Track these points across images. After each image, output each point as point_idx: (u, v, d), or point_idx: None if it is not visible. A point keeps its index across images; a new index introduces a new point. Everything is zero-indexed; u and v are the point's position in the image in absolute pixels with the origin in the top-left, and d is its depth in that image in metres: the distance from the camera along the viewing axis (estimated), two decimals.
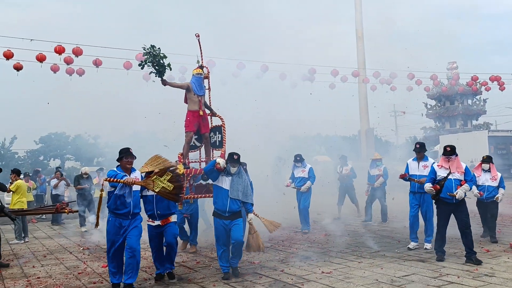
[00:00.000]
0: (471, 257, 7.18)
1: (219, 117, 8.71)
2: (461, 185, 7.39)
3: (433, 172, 7.75)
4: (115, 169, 6.30)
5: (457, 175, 7.47)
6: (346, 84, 20.57)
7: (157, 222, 6.80)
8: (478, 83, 26.31)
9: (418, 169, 8.81)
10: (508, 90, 23.84)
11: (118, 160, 6.34)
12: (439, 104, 45.71)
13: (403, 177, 8.88)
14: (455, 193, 7.31)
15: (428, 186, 7.61)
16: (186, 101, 8.39)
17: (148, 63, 7.59)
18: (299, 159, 11.65)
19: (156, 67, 7.66)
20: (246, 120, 13.62)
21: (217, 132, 8.78)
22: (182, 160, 8.10)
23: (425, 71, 24.32)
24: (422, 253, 8.12)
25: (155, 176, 6.13)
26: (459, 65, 43.04)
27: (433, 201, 7.91)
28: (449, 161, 7.56)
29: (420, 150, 8.89)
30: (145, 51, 7.54)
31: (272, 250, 9.00)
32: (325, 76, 19.96)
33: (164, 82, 7.97)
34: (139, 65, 7.81)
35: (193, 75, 8.45)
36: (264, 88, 19.10)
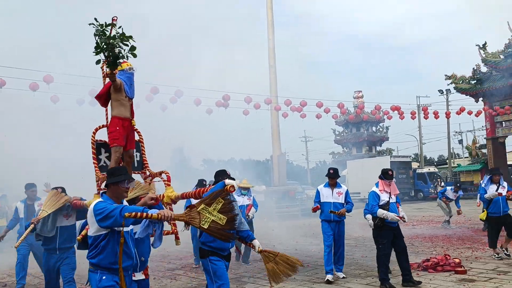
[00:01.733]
0: (411, 279, 7.33)
1: (137, 130, 6.47)
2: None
3: (377, 197, 7.51)
4: (100, 199, 4.16)
5: (394, 198, 7.57)
6: (259, 110, 21.03)
7: (139, 276, 4.86)
8: (381, 112, 28.00)
9: (332, 196, 8.30)
10: (407, 119, 25.63)
11: (108, 185, 4.23)
12: (346, 131, 48.15)
13: (315, 210, 8.48)
14: (401, 215, 7.44)
15: (393, 215, 7.30)
16: (105, 103, 6.13)
17: (105, 49, 4.96)
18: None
19: (111, 55, 5.05)
20: (159, 144, 13.40)
21: (135, 150, 6.45)
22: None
23: (333, 100, 25.60)
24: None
25: (202, 206, 4.24)
26: (365, 94, 45.84)
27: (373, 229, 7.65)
28: (390, 185, 7.58)
29: (334, 176, 8.36)
30: (97, 31, 4.92)
31: (185, 278, 8.88)
32: (239, 103, 20.30)
33: (114, 77, 5.60)
34: (96, 53, 5.00)
35: (122, 70, 5.98)
36: (179, 113, 19.01)
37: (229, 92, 19.52)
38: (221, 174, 5.33)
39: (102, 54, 5.02)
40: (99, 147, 6.22)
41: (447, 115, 30.21)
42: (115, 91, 5.94)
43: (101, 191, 4.27)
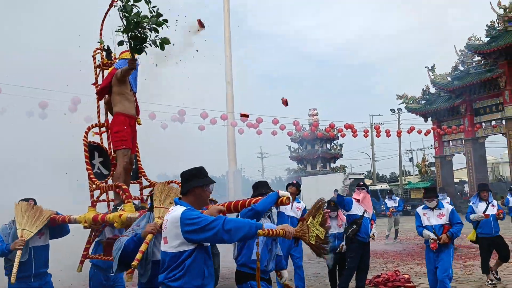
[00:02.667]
0: None
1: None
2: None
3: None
4: (185, 207, 3.27)
5: (368, 214, 7.56)
6: (215, 126, 21.03)
7: None
8: (335, 130, 28.56)
9: (292, 209, 7.91)
10: (361, 136, 26.28)
11: (190, 189, 3.37)
12: (301, 148, 48.73)
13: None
14: (372, 233, 7.58)
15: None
16: (107, 99, 5.24)
17: (132, 29, 4.10)
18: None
19: (139, 37, 4.19)
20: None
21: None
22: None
23: (289, 117, 25.91)
24: None
25: (310, 219, 3.73)
26: (320, 112, 46.67)
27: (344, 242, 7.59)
28: (362, 195, 7.53)
29: (296, 186, 7.93)
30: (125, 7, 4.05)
31: None
32: (195, 118, 20.21)
33: (134, 64, 4.74)
34: (123, 31, 4.17)
35: (125, 59, 4.95)
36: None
37: (185, 107, 19.40)
38: (263, 186, 4.82)
39: (126, 35, 4.21)
40: (92, 150, 5.26)
41: (398, 134, 31.15)
42: (119, 83, 5.04)
43: (177, 198, 3.43)
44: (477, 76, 32.18)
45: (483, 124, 33.12)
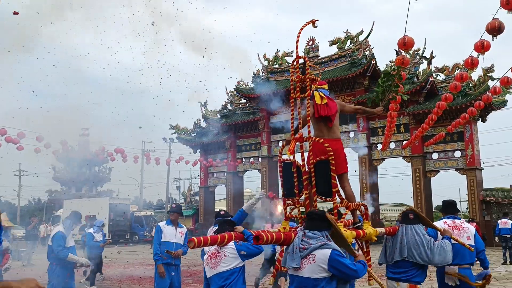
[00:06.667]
0: None
1: None
2: None
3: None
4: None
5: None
6: None
7: None
8: (105, 153, 27.99)
9: (176, 236, 7.33)
10: (130, 162, 26.30)
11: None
12: (67, 169, 46.05)
13: (172, 253, 7.16)
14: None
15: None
16: (319, 126, 5.14)
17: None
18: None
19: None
20: None
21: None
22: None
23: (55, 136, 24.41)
24: None
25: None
26: (92, 133, 44.93)
27: None
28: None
29: (177, 211, 7.51)
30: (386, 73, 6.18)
31: None
32: None
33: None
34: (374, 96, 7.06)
35: (320, 88, 5.06)
36: None
37: None
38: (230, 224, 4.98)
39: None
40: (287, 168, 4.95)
41: (167, 162, 32.20)
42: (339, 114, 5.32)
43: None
44: (242, 117, 35.75)
45: (243, 160, 36.68)
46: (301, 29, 4.87)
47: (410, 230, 5.00)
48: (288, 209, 4.88)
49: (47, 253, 7.30)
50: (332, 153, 4.46)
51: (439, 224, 5.68)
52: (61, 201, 38.27)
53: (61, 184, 47.01)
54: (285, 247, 4.13)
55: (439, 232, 5.31)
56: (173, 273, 7.25)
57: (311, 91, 4.93)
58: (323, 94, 4.94)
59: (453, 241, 5.15)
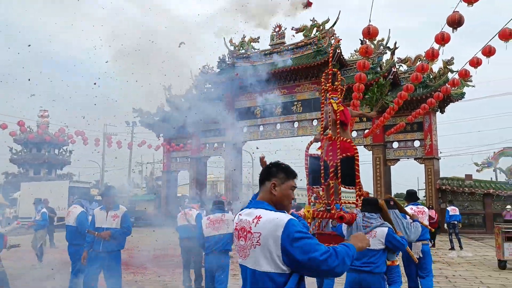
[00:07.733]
0: None
1: None
2: None
3: None
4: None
5: None
6: None
7: None
8: (65, 135, 27.37)
9: (106, 220, 6.83)
10: (91, 145, 25.81)
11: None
12: (25, 150, 44.70)
13: (94, 233, 6.72)
14: None
15: None
16: (336, 128, 5.94)
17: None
18: None
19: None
20: None
21: None
22: None
23: (14, 116, 23.67)
24: None
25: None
26: (52, 114, 43.69)
27: None
28: None
29: (106, 194, 7.03)
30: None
31: None
32: None
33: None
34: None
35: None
36: None
37: None
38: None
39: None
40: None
41: (129, 146, 31.75)
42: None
43: None
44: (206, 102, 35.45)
45: (207, 145, 36.52)
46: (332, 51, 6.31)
47: (392, 214, 5.89)
48: (312, 197, 5.90)
49: None
50: (357, 150, 5.66)
51: (407, 209, 6.88)
52: (18, 184, 37.20)
53: (18, 167, 45.62)
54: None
55: (408, 217, 6.33)
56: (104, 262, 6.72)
57: (330, 100, 5.94)
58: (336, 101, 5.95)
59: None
